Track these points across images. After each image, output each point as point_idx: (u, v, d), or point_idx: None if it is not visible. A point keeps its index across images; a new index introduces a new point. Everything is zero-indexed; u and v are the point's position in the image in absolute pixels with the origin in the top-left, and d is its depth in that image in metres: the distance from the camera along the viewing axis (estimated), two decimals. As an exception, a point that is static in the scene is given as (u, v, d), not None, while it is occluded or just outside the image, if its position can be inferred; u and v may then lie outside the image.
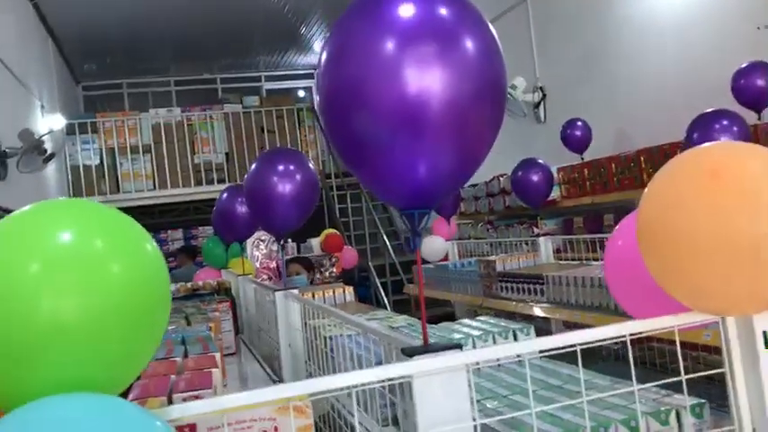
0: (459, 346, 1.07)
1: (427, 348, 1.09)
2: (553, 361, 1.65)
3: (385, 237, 9.44)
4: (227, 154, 10.24)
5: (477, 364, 1.03)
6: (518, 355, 1.21)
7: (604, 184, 5.57)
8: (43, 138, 6.83)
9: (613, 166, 5.46)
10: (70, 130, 9.70)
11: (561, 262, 4.60)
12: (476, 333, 1.72)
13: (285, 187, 2.61)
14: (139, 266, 0.90)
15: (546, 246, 4.62)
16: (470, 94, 1.16)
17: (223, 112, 10.34)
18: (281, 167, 2.65)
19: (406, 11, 1.15)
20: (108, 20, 9.77)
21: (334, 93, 1.21)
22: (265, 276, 6.16)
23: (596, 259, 4.86)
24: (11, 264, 0.84)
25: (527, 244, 5.28)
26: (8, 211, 5.11)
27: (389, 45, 1.14)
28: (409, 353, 1.08)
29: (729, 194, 1.08)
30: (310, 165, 2.78)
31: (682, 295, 1.20)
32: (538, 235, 5.65)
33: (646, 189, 1.24)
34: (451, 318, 6.81)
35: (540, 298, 3.74)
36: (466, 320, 1.96)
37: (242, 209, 3.88)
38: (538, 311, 3.70)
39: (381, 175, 1.23)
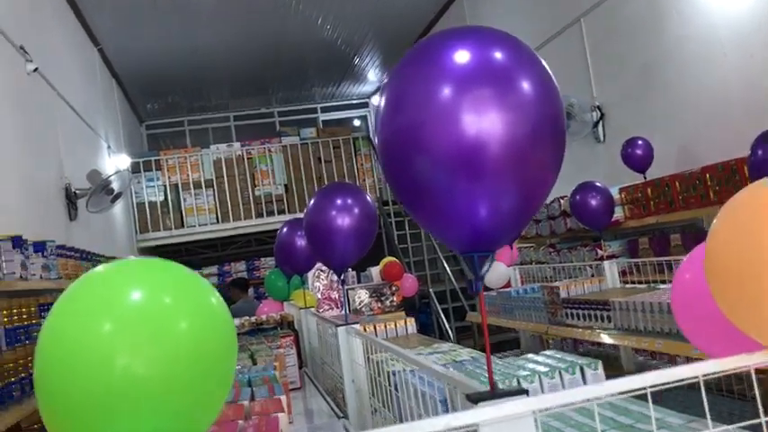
0: (525, 392, 1.05)
1: (493, 394, 1.07)
2: (629, 400, 1.60)
3: (444, 262, 9.39)
4: (285, 185, 10.40)
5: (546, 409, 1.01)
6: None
7: (669, 203, 5.43)
8: (110, 178, 7.07)
9: (677, 184, 5.31)
10: (135, 168, 10.03)
11: (628, 286, 4.49)
12: (542, 369, 1.69)
13: (344, 222, 2.63)
14: (206, 320, 0.93)
15: (611, 269, 4.51)
16: (529, 135, 1.15)
17: (281, 144, 10.53)
18: (339, 202, 2.67)
19: (462, 56, 1.15)
20: (169, 61, 10.12)
21: (393, 138, 1.22)
22: (327, 307, 6.19)
23: (664, 281, 4.72)
24: (87, 322, 0.87)
25: (591, 267, 5.17)
26: (80, 251, 5.30)
27: (446, 90, 1.14)
28: (475, 399, 1.06)
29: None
30: (368, 198, 2.80)
31: (755, 332, 1.15)
32: (602, 258, 5.53)
33: (713, 224, 1.20)
34: (516, 344, 6.70)
35: (608, 324, 3.64)
36: (531, 355, 1.92)
37: (301, 242, 3.92)
38: (605, 339, 3.60)
39: (440, 218, 1.22)
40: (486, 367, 1.31)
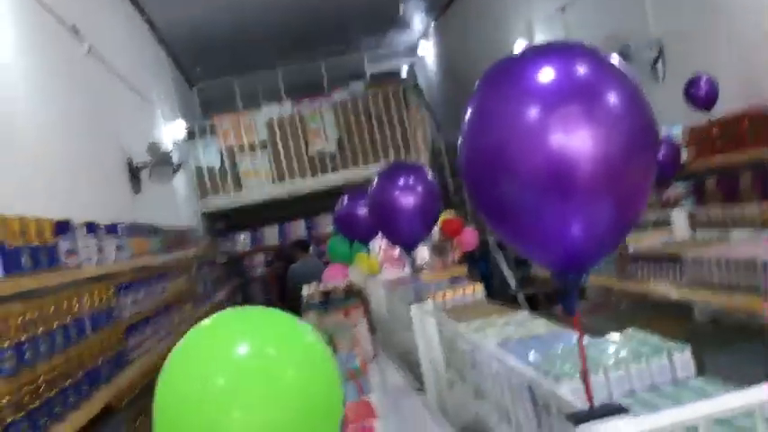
0: (624, 410, 1.05)
1: (592, 413, 1.07)
2: (714, 382, 1.58)
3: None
4: (338, 142, 10.42)
5: None
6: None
7: (737, 142, 5.23)
8: (170, 150, 7.20)
9: (746, 121, 5.11)
10: (190, 135, 10.17)
11: (698, 236, 4.38)
12: (628, 355, 1.66)
13: (408, 201, 2.63)
14: (314, 371, 0.95)
15: (680, 219, 4.40)
16: (620, 148, 1.12)
17: (331, 101, 10.51)
18: (401, 182, 2.67)
19: (546, 73, 1.12)
20: (214, 21, 10.11)
21: (478, 157, 1.20)
22: (389, 265, 6.24)
23: (735, 223, 4.59)
24: (201, 377, 0.90)
25: (657, 214, 5.07)
26: (149, 228, 5.44)
27: (532, 108, 1.11)
28: (575, 420, 1.06)
29: None
30: (429, 176, 2.78)
31: None
32: (668, 202, 5.41)
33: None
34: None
35: (679, 280, 3.58)
36: (613, 336, 1.90)
37: (362, 212, 3.94)
38: (676, 295, 3.55)
39: (530, 239, 1.20)
40: (577, 352, 1.29)
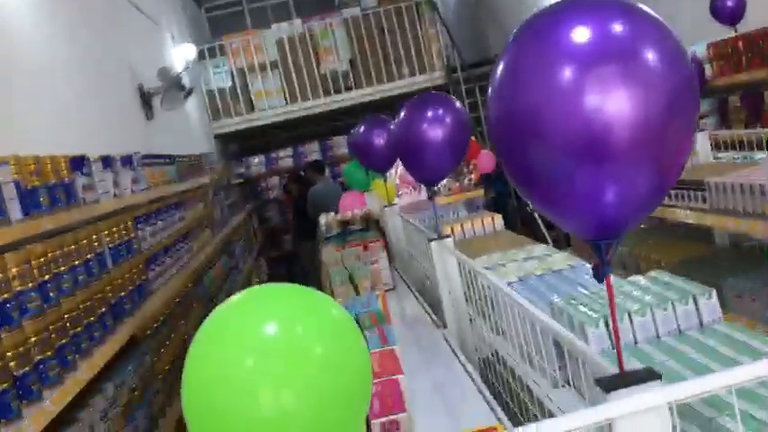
0: (658, 376, 1.03)
1: (625, 379, 1.05)
2: (737, 327, 1.56)
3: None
4: (351, 61, 10.20)
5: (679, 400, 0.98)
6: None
7: (763, 59, 5.06)
8: (180, 74, 7.08)
9: (773, 37, 4.93)
10: (200, 56, 9.98)
11: (722, 158, 4.29)
12: (652, 300, 1.65)
13: (436, 134, 2.55)
14: (343, 348, 0.93)
15: (704, 142, 4.31)
16: (658, 112, 1.05)
17: (342, 18, 10.22)
18: (429, 114, 2.58)
19: (580, 32, 1.04)
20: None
21: (509, 121, 1.13)
22: (405, 190, 6.21)
23: (760, 146, 4.49)
24: (228, 359, 0.89)
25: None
26: (164, 157, 5.41)
27: (567, 69, 1.04)
28: (606, 387, 1.05)
29: None
30: (457, 105, 2.69)
31: None
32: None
33: None
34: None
35: (702, 205, 3.53)
36: (637, 278, 1.88)
37: (379, 141, 3.88)
38: (700, 220, 3.50)
39: (564, 206, 1.15)
40: (600, 294, 1.27)
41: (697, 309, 1.63)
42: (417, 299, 3.20)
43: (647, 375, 1.05)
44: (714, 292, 1.65)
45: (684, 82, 1.09)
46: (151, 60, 7.28)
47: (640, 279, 1.87)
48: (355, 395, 0.93)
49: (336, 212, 5.35)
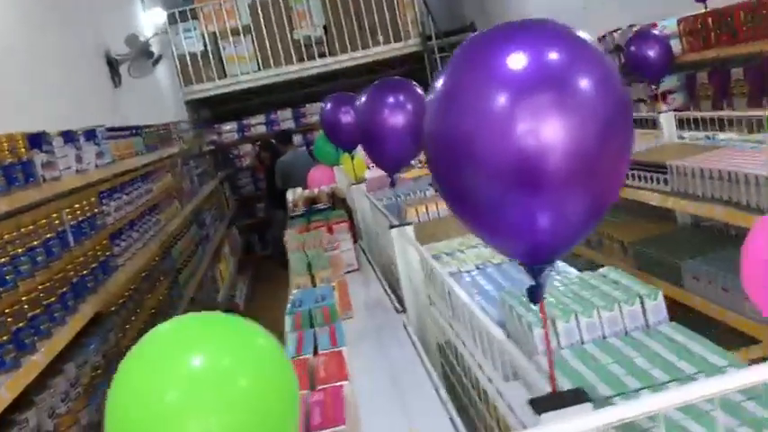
0: (587, 399, 1.05)
1: (555, 400, 1.07)
2: (682, 331, 1.59)
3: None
4: (324, 27, 10.06)
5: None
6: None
7: (732, 35, 5.08)
8: (149, 41, 6.95)
9: (741, 14, 4.94)
10: (171, 20, 9.79)
11: (686, 139, 4.32)
12: (599, 302, 1.67)
13: (397, 122, 2.55)
14: (268, 379, 0.94)
15: (668, 122, 4.34)
16: (593, 136, 1.04)
17: (316, -19, 10.06)
18: (390, 100, 2.57)
19: (516, 58, 1.03)
20: None
21: (443, 143, 1.13)
22: (373, 165, 6.18)
23: (723, 125, 4.54)
24: (152, 391, 0.89)
25: (647, 122, 5.00)
26: (130, 128, 5.32)
27: (500, 95, 1.03)
28: (537, 408, 1.06)
29: None
30: (419, 91, 2.68)
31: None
32: (656, 96, 5.31)
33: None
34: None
35: (664, 187, 3.57)
36: (586, 275, 1.90)
37: (347, 119, 3.86)
38: (660, 203, 3.55)
39: (496, 230, 1.16)
40: (558, 289, 1.26)
41: (643, 310, 1.66)
42: (381, 281, 3.21)
43: (577, 398, 1.07)
44: (660, 294, 1.68)
45: (618, 107, 1.10)
46: (121, 27, 7.12)
47: (589, 276, 1.89)
48: (281, 425, 0.94)
49: (305, 185, 5.34)
